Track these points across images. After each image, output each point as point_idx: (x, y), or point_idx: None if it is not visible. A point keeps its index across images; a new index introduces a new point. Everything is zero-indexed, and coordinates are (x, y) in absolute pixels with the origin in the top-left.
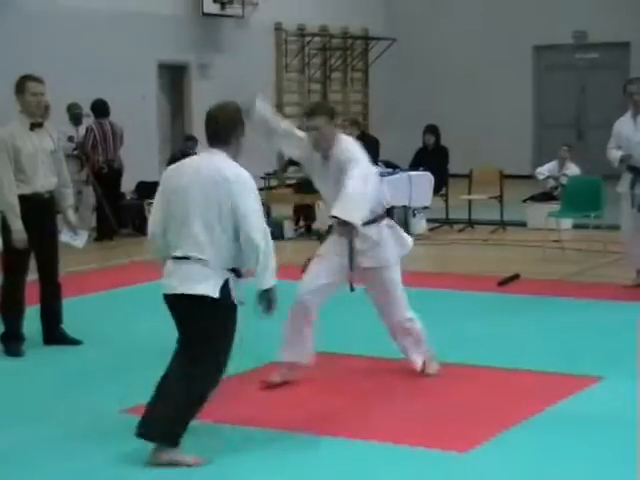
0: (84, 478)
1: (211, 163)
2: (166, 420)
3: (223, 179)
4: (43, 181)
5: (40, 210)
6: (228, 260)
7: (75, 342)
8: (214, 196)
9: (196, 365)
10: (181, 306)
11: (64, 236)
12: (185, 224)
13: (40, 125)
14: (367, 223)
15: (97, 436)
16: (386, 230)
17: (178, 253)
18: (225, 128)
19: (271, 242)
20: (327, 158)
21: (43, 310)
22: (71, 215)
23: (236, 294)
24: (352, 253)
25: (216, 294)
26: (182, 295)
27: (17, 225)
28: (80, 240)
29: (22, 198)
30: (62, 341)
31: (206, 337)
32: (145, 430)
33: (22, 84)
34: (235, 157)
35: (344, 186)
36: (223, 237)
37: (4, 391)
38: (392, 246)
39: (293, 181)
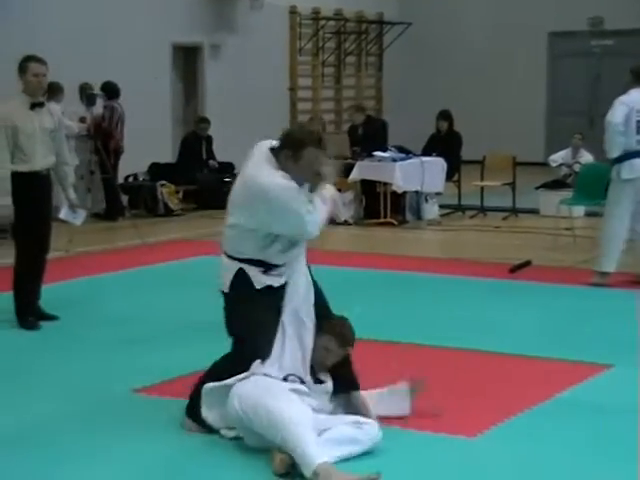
0: (103, 455)
1: None
2: None
3: None
4: (41, 161)
5: (38, 188)
6: None
7: (51, 317)
8: None
9: None
10: None
11: (63, 214)
12: None
13: (41, 104)
14: None
15: (109, 415)
16: None
17: None
18: None
19: None
20: None
21: None
22: (72, 193)
23: None
24: None
25: None
26: None
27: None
28: (79, 218)
29: (21, 175)
30: (39, 317)
31: None
32: None
33: (24, 65)
34: None
35: None
36: None
37: (18, 366)
38: None
39: None
